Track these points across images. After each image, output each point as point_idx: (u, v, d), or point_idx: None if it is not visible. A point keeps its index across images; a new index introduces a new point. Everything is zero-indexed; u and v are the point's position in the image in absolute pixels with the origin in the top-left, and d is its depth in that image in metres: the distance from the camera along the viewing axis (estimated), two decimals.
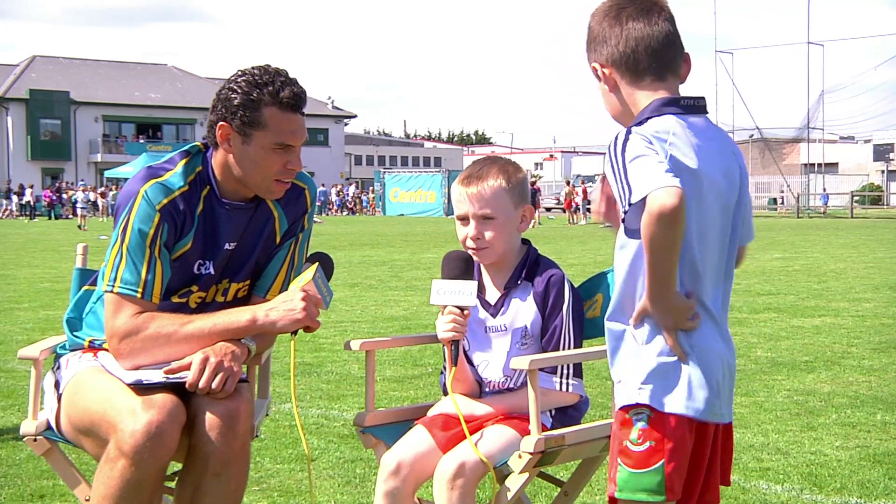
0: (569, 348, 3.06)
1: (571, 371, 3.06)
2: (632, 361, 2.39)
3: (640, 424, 2.35)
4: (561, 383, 3.04)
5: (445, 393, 3.10)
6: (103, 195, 51.04)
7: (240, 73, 2.95)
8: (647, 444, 2.34)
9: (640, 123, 2.39)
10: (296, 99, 2.92)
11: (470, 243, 3.10)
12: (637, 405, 2.36)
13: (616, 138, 2.38)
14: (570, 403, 3.10)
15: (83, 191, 44.31)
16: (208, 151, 3.04)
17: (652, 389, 2.35)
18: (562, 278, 3.10)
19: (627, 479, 2.36)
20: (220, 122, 2.93)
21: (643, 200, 2.25)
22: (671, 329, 2.36)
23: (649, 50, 2.46)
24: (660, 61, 2.46)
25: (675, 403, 2.35)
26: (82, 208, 39.13)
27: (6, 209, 51.77)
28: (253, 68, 2.95)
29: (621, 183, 2.32)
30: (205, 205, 3.00)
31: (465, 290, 2.96)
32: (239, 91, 2.90)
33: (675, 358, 2.36)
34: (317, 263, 3.00)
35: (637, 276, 2.38)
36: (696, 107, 2.46)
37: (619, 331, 2.44)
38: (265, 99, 2.88)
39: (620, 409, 2.39)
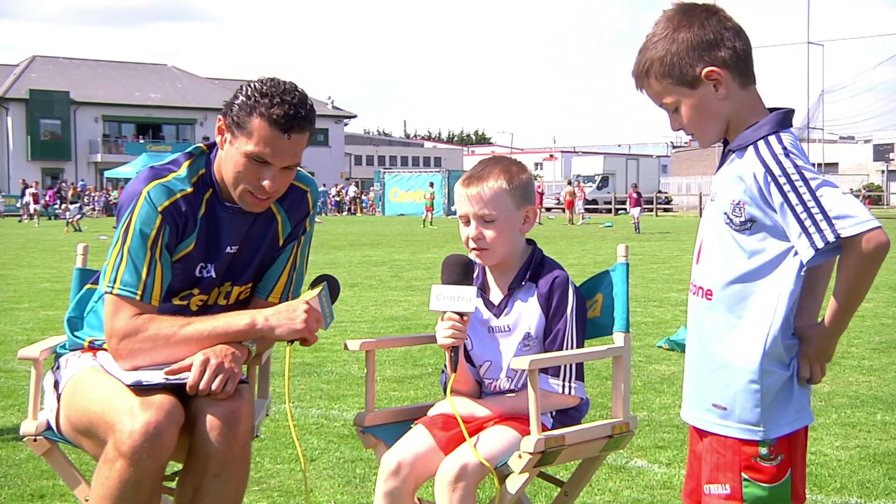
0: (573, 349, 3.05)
1: (574, 373, 3.05)
2: (762, 397, 2.34)
3: (769, 441, 2.35)
4: (563, 386, 3.03)
5: (445, 392, 3.10)
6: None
7: (261, 80, 2.92)
8: (779, 457, 2.34)
9: (772, 135, 2.32)
10: (286, 119, 2.83)
11: (471, 244, 3.10)
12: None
13: (773, 154, 2.28)
14: (572, 406, 3.09)
15: (87, 192, 43.27)
16: (212, 153, 3.04)
17: (793, 419, 2.36)
18: (566, 280, 3.09)
19: (761, 495, 2.34)
20: (220, 115, 2.94)
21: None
22: (827, 360, 2.38)
23: (750, 50, 2.40)
24: (752, 63, 2.42)
25: (804, 418, 2.39)
26: (76, 208, 37.19)
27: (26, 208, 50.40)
28: (269, 79, 2.91)
29: (809, 212, 2.22)
30: (207, 208, 2.99)
31: (465, 296, 2.95)
32: (243, 93, 2.89)
33: (793, 382, 2.37)
34: (324, 283, 3.01)
35: (795, 307, 2.35)
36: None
37: (771, 371, 2.35)
38: (258, 109, 2.84)
39: (742, 440, 2.35)
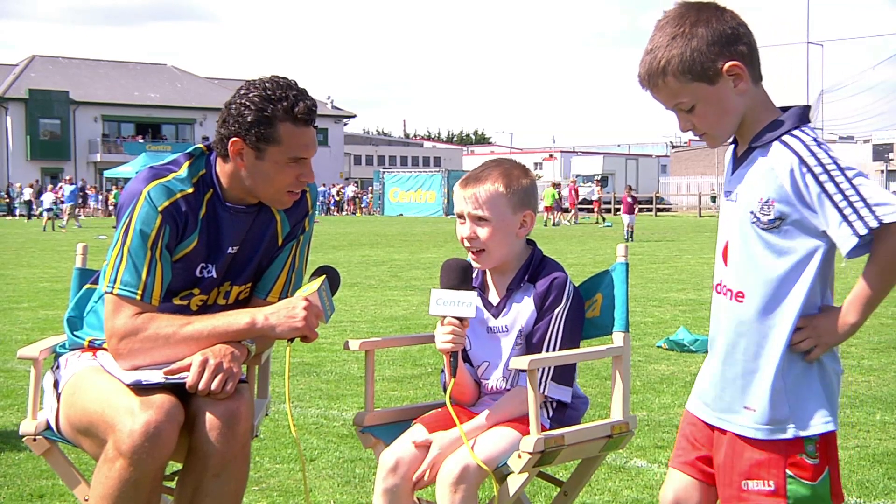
0: (554, 350, 3.03)
1: (550, 374, 2.99)
2: (805, 389, 2.33)
3: (815, 439, 2.33)
4: (540, 384, 2.98)
5: (445, 391, 3.10)
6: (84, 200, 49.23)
7: (252, 86, 2.91)
8: (819, 454, 2.33)
9: (797, 129, 2.30)
10: (309, 113, 2.92)
11: (466, 243, 3.10)
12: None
13: (805, 145, 2.25)
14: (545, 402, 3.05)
15: (51, 190, 40.59)
16: (211, 154, 3.04)
17: (833, 415, 2.34)
18: (564, 281, 3.07)
19: (804, 493, 2.32)
20: (233, 138, 2.91)
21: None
22: (827, 345, 2.33)
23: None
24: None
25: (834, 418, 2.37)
26: (48, 210, 35.43)
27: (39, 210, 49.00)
28: (264, 81, 2.92)
29: (848, 200, 2.20)
30: (208, 208, 3.00)
31: (465, 301, 2.93)
32: (252, 107, 2.88)
33: (835, 376, 2.36)
34: (323, 276, 3.01)
35: (813, 295, 2.31)
36: None
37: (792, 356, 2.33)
38: (280, 115, 2.87)
39: (789, 440, 2.32)
